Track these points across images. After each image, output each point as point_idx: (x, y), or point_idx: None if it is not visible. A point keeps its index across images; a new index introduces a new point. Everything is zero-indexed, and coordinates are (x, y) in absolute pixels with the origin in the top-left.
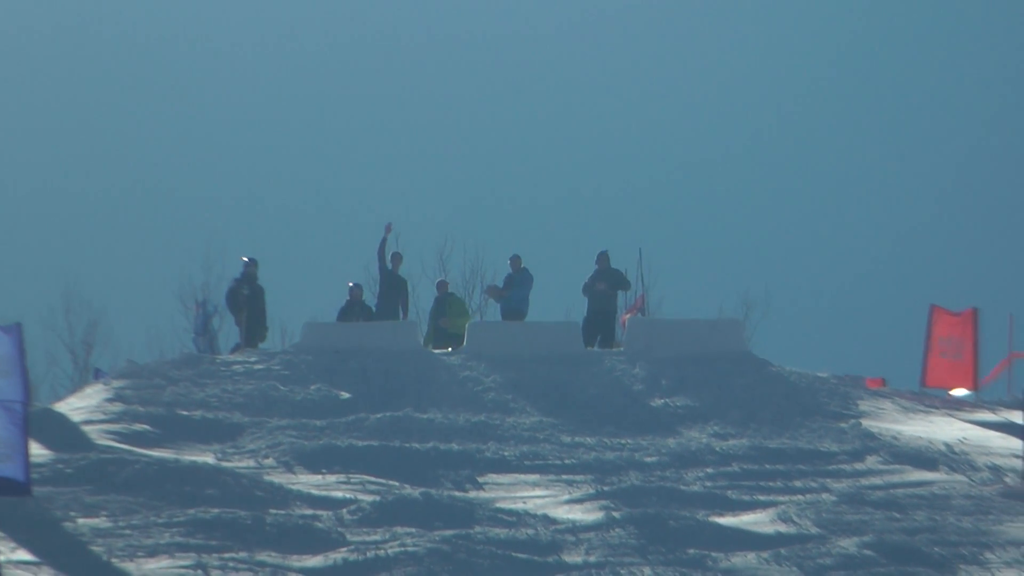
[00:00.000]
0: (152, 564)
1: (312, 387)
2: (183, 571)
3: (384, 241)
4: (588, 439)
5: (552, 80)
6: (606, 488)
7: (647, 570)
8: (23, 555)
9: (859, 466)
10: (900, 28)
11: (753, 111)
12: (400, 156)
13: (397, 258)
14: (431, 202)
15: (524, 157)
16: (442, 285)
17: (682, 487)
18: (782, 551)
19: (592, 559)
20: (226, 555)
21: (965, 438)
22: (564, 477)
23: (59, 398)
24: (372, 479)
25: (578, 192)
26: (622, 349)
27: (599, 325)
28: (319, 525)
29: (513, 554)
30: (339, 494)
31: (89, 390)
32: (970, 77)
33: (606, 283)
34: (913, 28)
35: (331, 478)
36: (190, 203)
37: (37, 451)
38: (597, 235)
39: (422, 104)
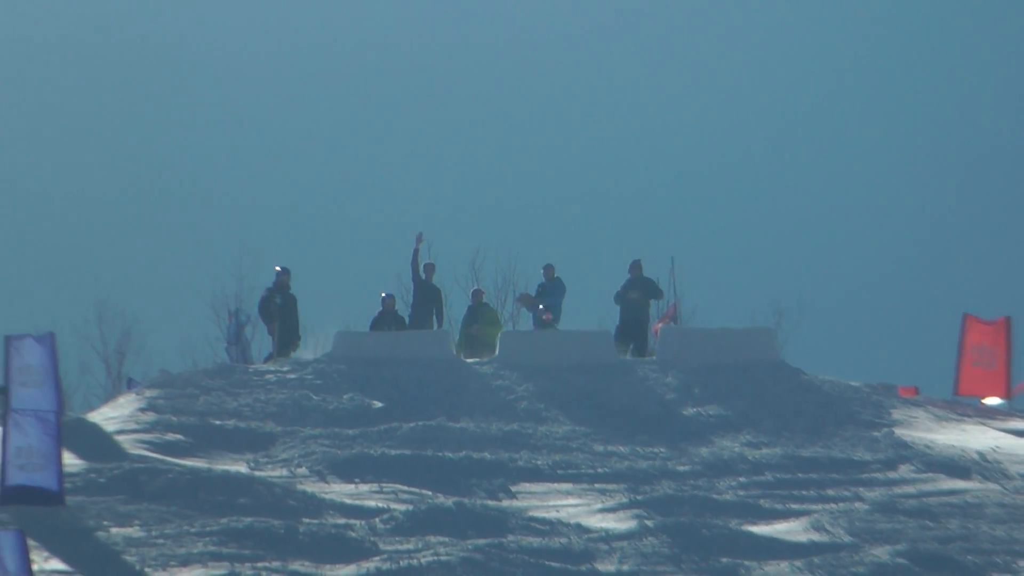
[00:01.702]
0: (185, 573)
1: (345, 396)
2: None
3: (416, 252)
4: (621, 448)
5: (585, 87)
6: (639, 497)
7: None
8: (56, 564)
9: (892, 475)
10: (931, 28)
11: (785, 118)
12: (432, 164)
13: (430, 268)
14: (463, 211)
15: (556, 166)
16: (477, 294)
17: (715, 496)
18: (815, 560)
19: (625, 568)
20: (259, 564)
21: (998, 447)
22: (597, 486)
23: (92, 408)
24: (405, 488)
25: (611, 201)
26: (655, 358)
27: (632, 334)
28: (352, 534)
29: (546, 563)
30: (372, 503)
31: (122, 400)
32: (1007, 76)
33: (639, 292)
34: (943, 27)
35: (364, 487)
36: (223, 212)
37: (70, 460)
38: (630, 244)
39: (455, 113)
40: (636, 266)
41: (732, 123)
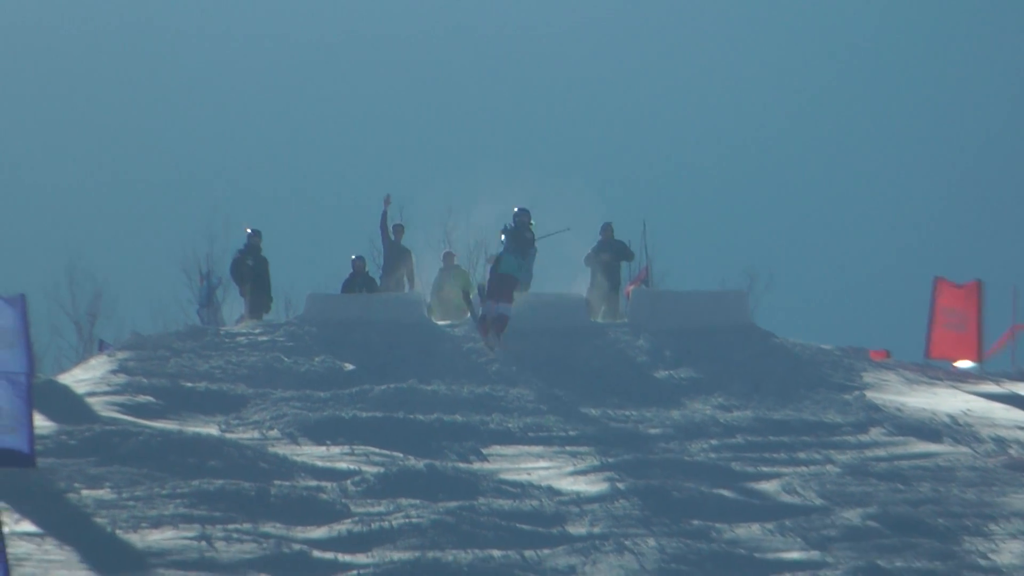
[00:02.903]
0: (156, 535)
1: (316, 359)
2: (187, 542)
3: (385, 214)
4: (592, 411)
5: (556, 50)
6: (610, 460)
7: (651, 541)
8: (27, 526)
9: (863, 438)
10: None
11: (756, 84)
12: (404, 125)
13: (399, 229)
14: (435, 174)
15: (529, 129)
16: (448, 257)
17: (686, 459)
18: (786, 522)
19: (596, 530)
20: (230, 526)
21: (969, 410)
22: (568, 449)
23: (63, 370)
24: (376, 451)
25: (582, 165)
26: (626, 321)
27: (602, 296)
28: (323, 496)
29: (517, 525)
30: (343, 465)
31: (93, 362)
32: (972, 48)
33: (610, 254)
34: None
35: (335, 449)
36: (194, 175)
37: (41, 423)
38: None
39: (426, 73)
40: (607, 228)
41: (704, 88)
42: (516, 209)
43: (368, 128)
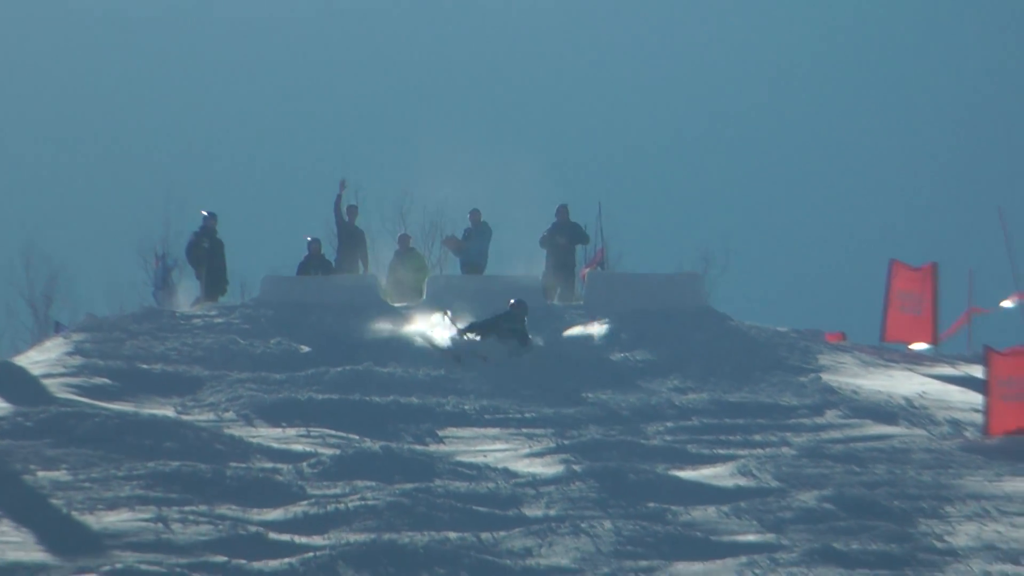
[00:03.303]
0: (112, 517)
1: (272, 341)
2: (143, 524)
3: (340, 197)
4: (548, 393)
5: (511, 29)
6: (566, 442)
7: (607, 523)
8: None
9: (819, 420)
10: None
11: (711, 66)
12: (357, 108)
13: (353, 210)
14: (390, 155)
15: (483, 109)
16: (404, 239)
17: (642, 441)
18: (742, 504)
19: (552, 512)
20: (186, 508)
21: (925, 392)
22: (524, 431)
23: (19, 351)
24: (332, 432)
25: (537, 146)
26: (582, 303)
27: (558, 278)
28: (279, 478)
29: (473, 507)
30: (299, 447)
31: (49, 344)
32: (923, 27)
33: (566, 237)
34: None
35: (291, 431)
36: (150, 157)
37: None
38: (556, 189)
39: (382, 56)
40: (563, 210)
41: (658, 68)
42: (513, 301)
43: (323, 108)
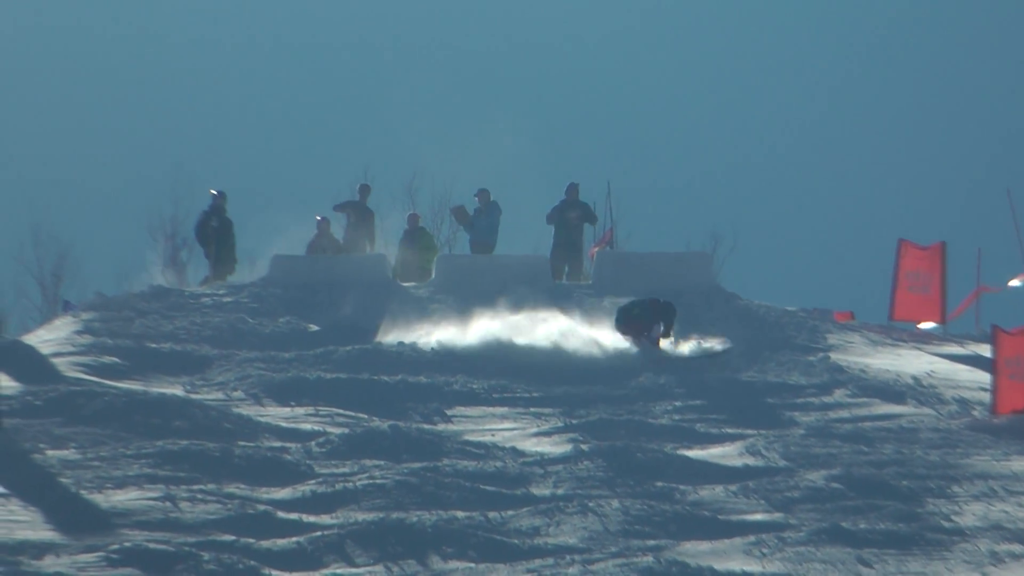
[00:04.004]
0: (121, 495)
1: (281, 319)
2: (151, 503)
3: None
4: (556, 372)
5: (520, 12)
6: (574, 421)
7: (615, 503)
8: None
9: (827, 399)
10: None
11: (722, 44)
12: (369, 87)
13: (365, 189)
14: (401, 134)
15: (494, 91)
16: (413, 218)
17: (650, 420)
18: (750, 484)
19: (560, 492)
20: (194, 487)
21: (933, 371)
22: (532, 410)
23: (28, 330)
24: (341, 411)
25: (547, 125)
26: (590, 282)
27: (566, 257)
28: (288, 457)
29: (481, 486)
30: (308, 426)
31: (58, 322)
32: (928, 11)
33: (577, 213)
34: None
35: (300, 410)
36: (159, 136)
37: (6, 383)
38: (566, 169)
39: (393, 33)
40: (573, 188)
41: (668, 48)
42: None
43: (334, 88)
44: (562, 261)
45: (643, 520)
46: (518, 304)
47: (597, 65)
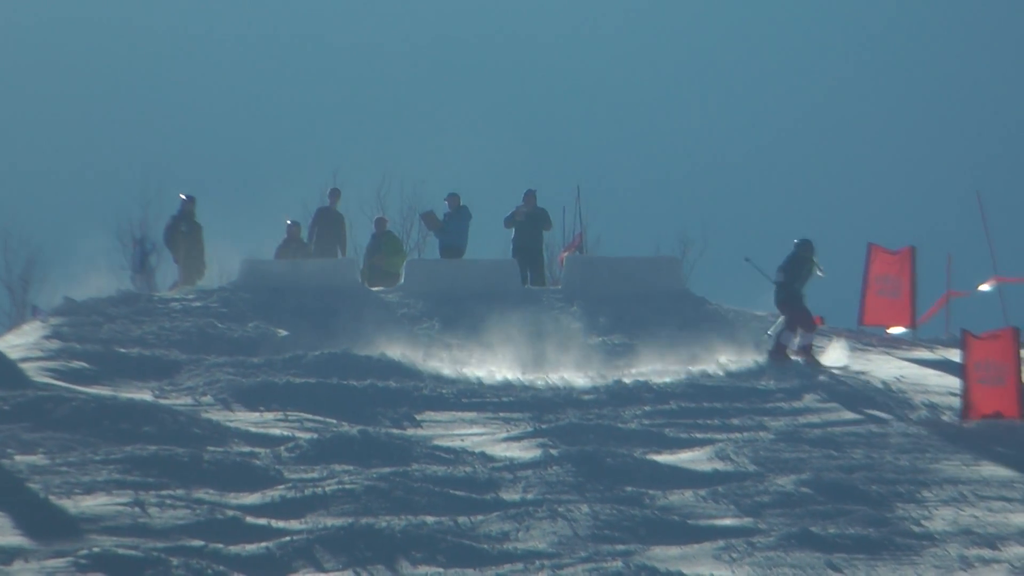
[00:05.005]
0: (89, 501)
1: (250, 324)
2: (120, 508)
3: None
4: (526, 377)
5: (489, 14)
6: (544, 426)
7: (584, 507)
8: None
9: (796, 404)
10: None
11: (692, 48)
12: (338, 91)
13: (335, 194)
14: (369, 139)
15: (461, 95)
16: (380, 222)
17: (620, 425)
18: (719, 488)
19: (529, 496)
20: (163, 492)
21: (902, 376)
22: (502, 415)
23: None
24: (310, 416)
25: (517, 129)
26: (560, 287)
27: (526, 261)
28: (257, 462)
29: (450, 491)
30: (277, 431)
31: (26, 327)
32: (911, 16)
33: (524, 210)
34: None
35: (269, 415)
36: (128, 140)
37: None
38: (534, 173)
39: (355, 36)
40: (530, 196)
41: (635, 50)
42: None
43: (302, 92)
44: (523, 266)
45: (613, 525)
46: (487, 309)
47: (567, 68)
